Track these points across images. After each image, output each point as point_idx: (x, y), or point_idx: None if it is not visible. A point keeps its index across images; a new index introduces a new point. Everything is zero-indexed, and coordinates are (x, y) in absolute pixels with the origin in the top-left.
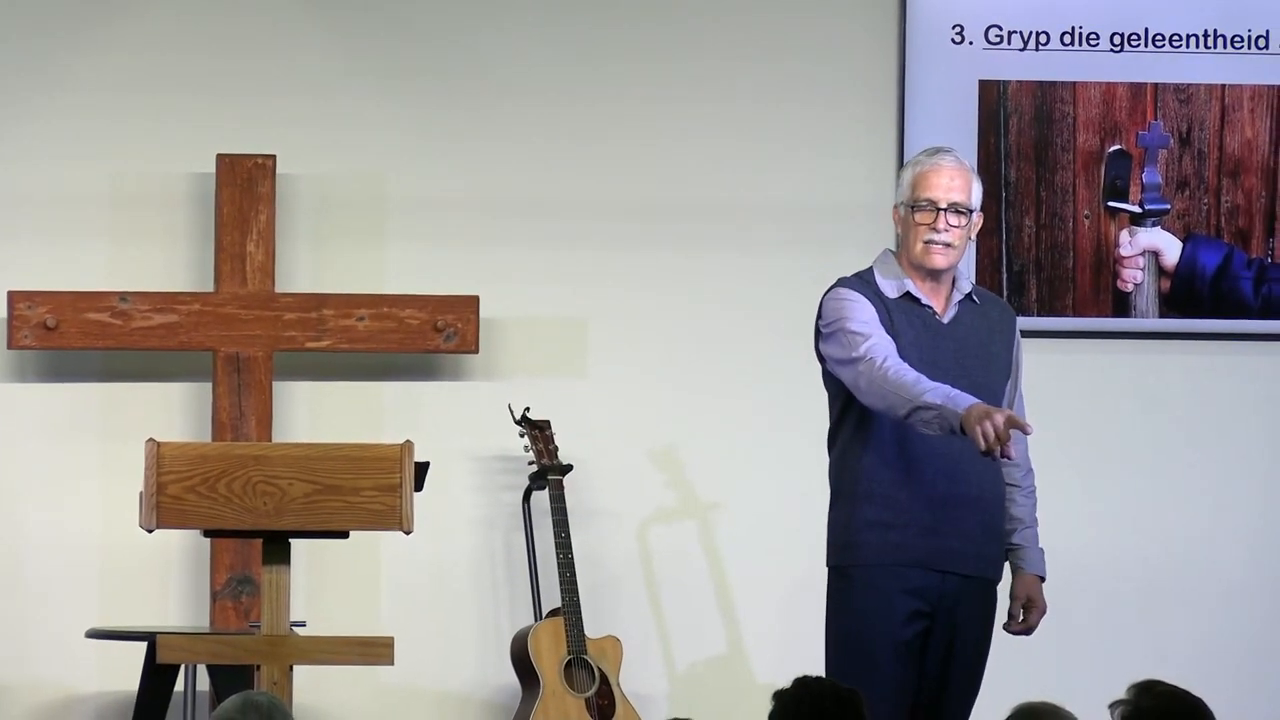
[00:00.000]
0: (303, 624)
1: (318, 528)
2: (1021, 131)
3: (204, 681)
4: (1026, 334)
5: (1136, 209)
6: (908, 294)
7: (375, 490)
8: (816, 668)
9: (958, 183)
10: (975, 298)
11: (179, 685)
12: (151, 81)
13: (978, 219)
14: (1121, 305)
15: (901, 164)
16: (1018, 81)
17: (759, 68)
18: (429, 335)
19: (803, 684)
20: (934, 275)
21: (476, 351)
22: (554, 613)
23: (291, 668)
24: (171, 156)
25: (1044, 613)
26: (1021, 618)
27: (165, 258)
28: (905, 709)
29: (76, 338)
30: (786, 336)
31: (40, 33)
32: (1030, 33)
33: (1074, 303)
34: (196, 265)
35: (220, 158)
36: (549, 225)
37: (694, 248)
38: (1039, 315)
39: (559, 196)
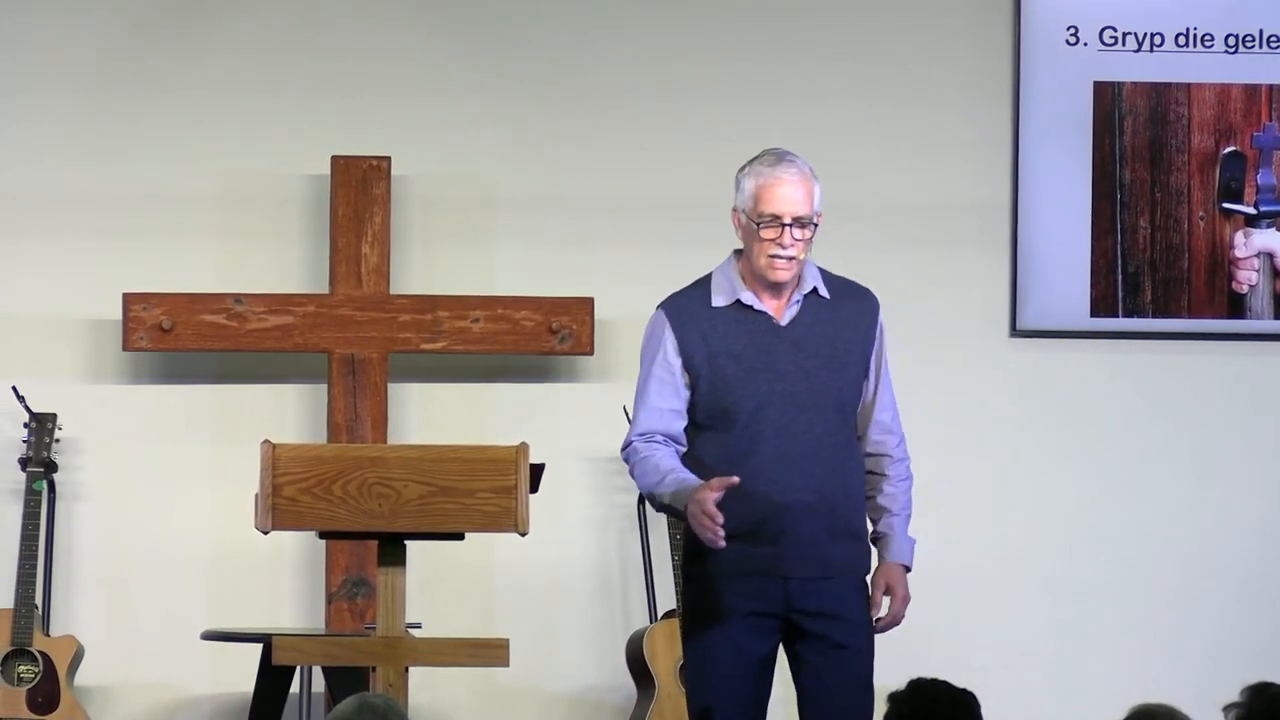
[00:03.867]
0: (418, 625)
1: (433, 530)
2: (1136, 133)
3: (319, 683)
4: (1141, 336)
5: (1251, 210)
6: (738, 302)
7: (490, 492)
8: (926, 671)
9: (800, 194)
10: (827, 292)
11: (294, 687)
12: (266, 83)
13: (819, 221)
14: (1236, 307)
15: (1017, 165)
16: (1132, 83)
17: (873, 69)
18: (544, 337)
19: (916, 686)
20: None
21: (592, 353)
22: (669, 614)
23: (407, 669)
24: (286, 158)
25: (907, 600)
26: (885, 608)
27: (280, 259)
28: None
29: (191, 339)
30: (901, 336)
31: (154, 34)
32: (1145, 34)
33: (1189, 304)
34: (311, 267)
35: (335, 159)
36: (662, 225)
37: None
38: (1154, 317)
39: (672, 196)
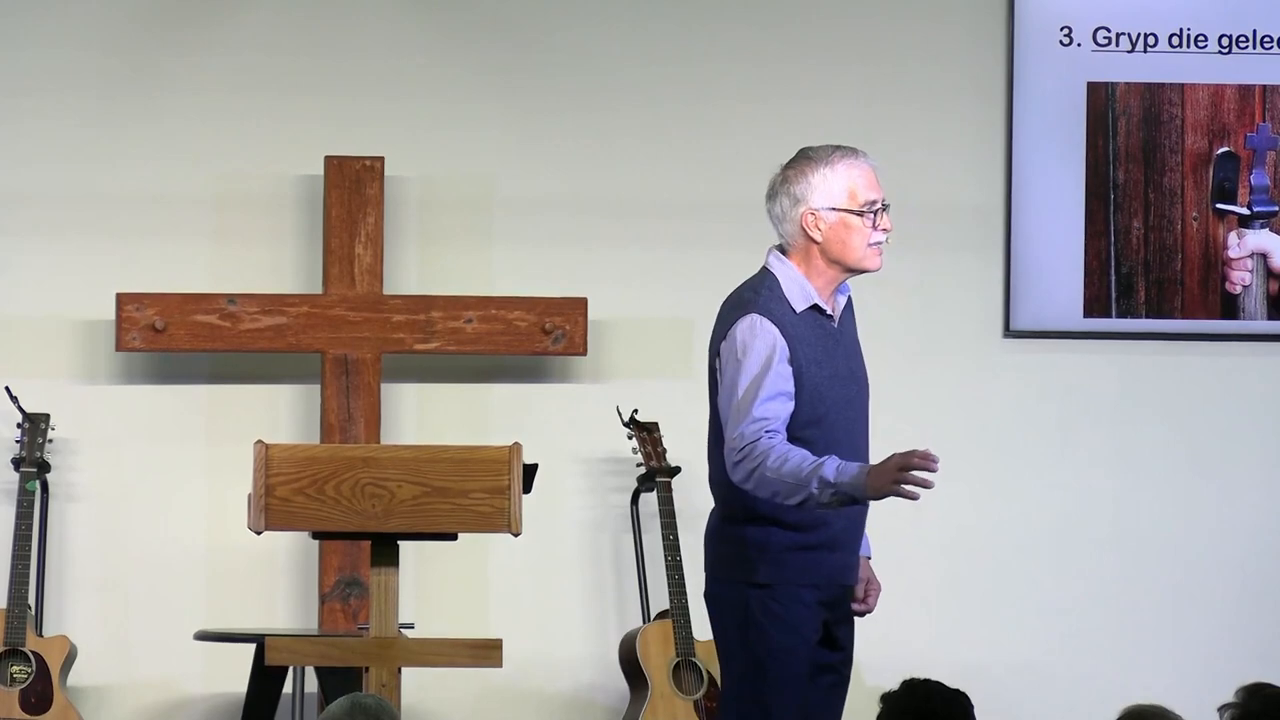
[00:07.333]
0: (411, 626)
1: (426, 530)
2: (1130, 133)
3: (312, 683)
4: (1135, 336)
5: (1244, 211)
6: (815, 306)
7: (484, 492)
8: (923, 671)
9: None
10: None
11: (287, 687)
12: (259, 83)
13: None
14: (1230, 307)
15: (1010, 165)
16: (1126, 83)
17: (866, 69)
18: (537, 337)
19: (910, 686)
20: (837, 279)
21: (585, 353)
22: (662, 614)
23: (400, 669)
24: (279, 158)
25: (880, 590)
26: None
27: (273, 260)
28: None
29: (184, 340)
30: (895, 337)
31: (148, 35)
32: (1138, 34)
33: (1182, 305)
34: (304, 267)
35: (328, 160)
36: (656, 226)
37: None
38: (1148, 318)
39: (666, 197)
